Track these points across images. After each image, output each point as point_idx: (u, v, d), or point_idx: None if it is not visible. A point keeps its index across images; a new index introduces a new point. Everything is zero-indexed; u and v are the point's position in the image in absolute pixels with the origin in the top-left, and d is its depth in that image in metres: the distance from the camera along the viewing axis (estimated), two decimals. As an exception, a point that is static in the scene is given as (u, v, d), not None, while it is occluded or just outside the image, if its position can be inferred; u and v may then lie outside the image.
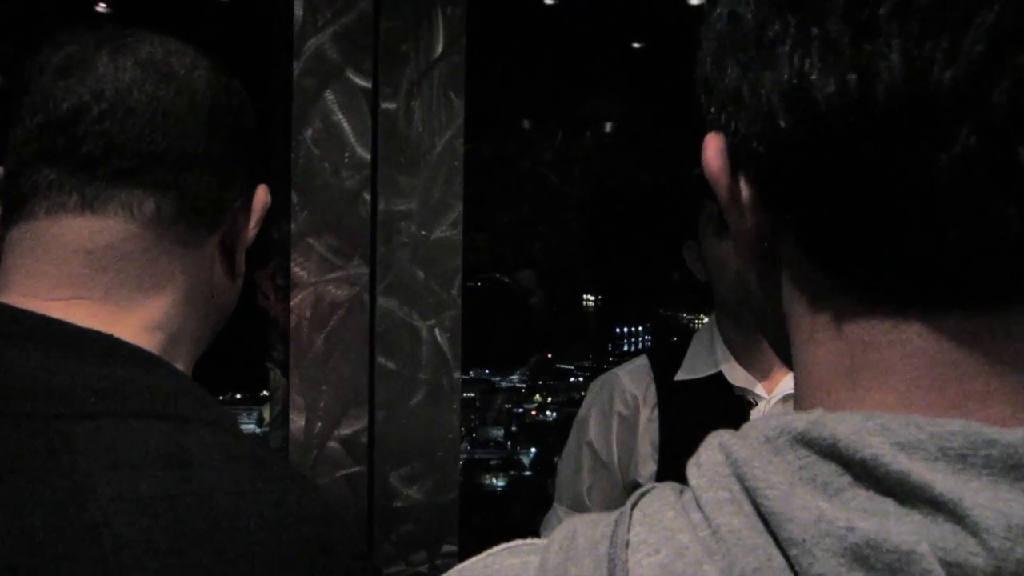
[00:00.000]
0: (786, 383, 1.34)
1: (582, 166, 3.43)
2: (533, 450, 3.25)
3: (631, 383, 1.43)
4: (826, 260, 0.35)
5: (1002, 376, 0.32)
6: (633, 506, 0.36)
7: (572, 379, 3.70)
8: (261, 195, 0.70)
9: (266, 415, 2.42)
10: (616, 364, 1.52)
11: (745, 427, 0.36)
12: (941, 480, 0.29)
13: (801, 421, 0.33)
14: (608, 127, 3.38)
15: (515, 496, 3.06)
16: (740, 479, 0.33)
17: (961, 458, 0.30)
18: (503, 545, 0.41)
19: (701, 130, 0.39)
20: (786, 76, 0.32)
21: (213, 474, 0.49)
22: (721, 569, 0.31)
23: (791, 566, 0.30)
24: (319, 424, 1.35)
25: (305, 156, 1.32)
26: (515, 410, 3.37)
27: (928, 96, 0.30)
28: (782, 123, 0.32)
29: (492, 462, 3.16)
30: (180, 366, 0.62)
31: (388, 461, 1.41)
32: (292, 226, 1.32)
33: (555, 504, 1.50)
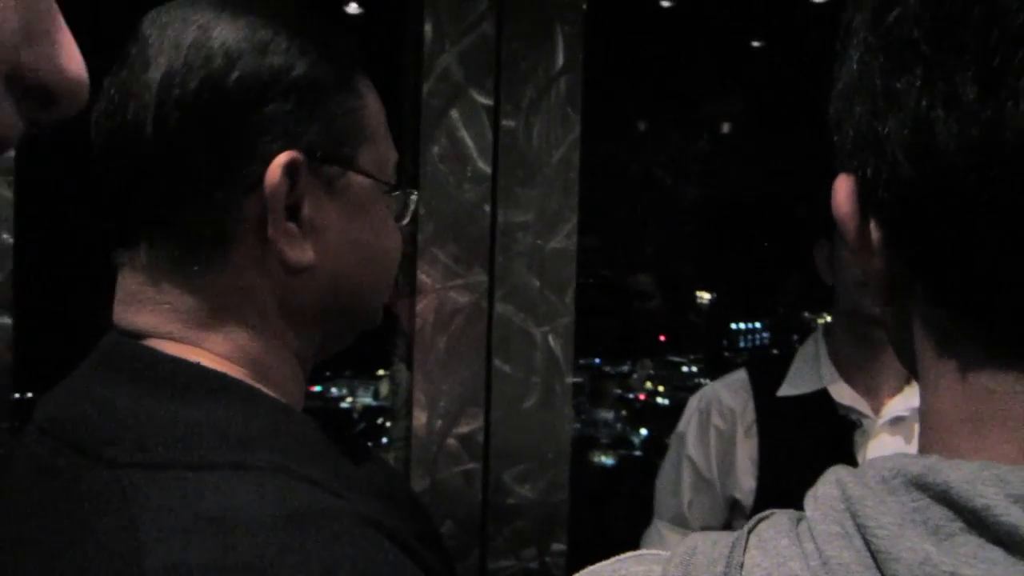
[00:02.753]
0: (894, 405, 1.30)
1: (698, 167, 3.41)
2: (644, 431, 3.25)
3: (729, 397, 1.42)
4: (953, 306, 0.35)
5: None
6: (750, 530, 0.38)
7: (685, 368, 3.68)
8: (269, 176, 0.57)
9: (383, 390, 2.51)
10: (732, 358, 1.51)
11: (863, 465, 0.36)
12: None
13: (917, 465, 0.33)
14: (726, 128, 3.34)
15: (626, 473, 3.08)
16: (853, 515, 0.34)
17: None
18: (631, 553, 0.43)
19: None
20: (910, 127, 0.33)
21: (256, 541, 0.46)
22: None
23: None
24: (439, 421, 1.44)
25: (432, 170, 1.41)
26: (625, 395, 3.38)
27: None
28: (906, 173, 0.33)
29: (603, 440, 3.18)
30: (275, 388, 0.59)
31: (502, 460, 1.48)
32: (419, 236, 1.40)
33: (655, 520, 1.49)
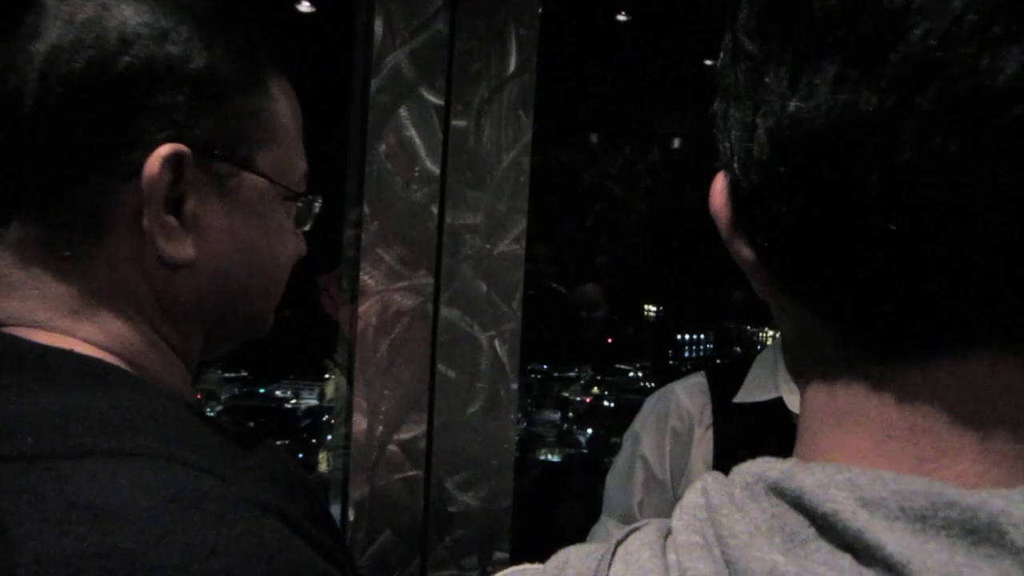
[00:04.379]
0: None
1: (648, 181, 3.44)
2: (590, 431, 3.31)
3: (687, 399, 1.42)
4: (807, 301, 0.34)
5: (971, 432, 0.31)
6: (619, 543, 0.37)
7: (631, 374, 3.75)
8: (148, 167, 0.54)
9: (328, 391, 2.50)
10: (676, 367, 1.52)
11: (734, 470, 0.36)
12: (896, 540, 0.29)
13: (776, 470, 0.33)
14: (676, 143, 3.38)
15: (570, 469, 3.15)
16: (713, 524, 0.33)
17: (921, 518, 0.29)
18: (511, 568, 0.43)
19: None
20: (740, 118, 0.34)
21: (137, 527, 0.44)
22: None
23: None
24: (380, 427, 1.40)
25: (378, 169, 1.38)
26: (572, 398, 3.49)
27: (846, 137, 0.30)
28: (739, 162, 0.34)
29: (548, 438, 3.27)
30: (153, 380, 0.57)
31: (445, 467, 1.45)
32: (363, 236, 1.37)
33: (604, 516, 1.49)
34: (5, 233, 0.56)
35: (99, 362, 0.55)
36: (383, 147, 1.38)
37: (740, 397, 1.37)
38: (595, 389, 3.53)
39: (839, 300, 0.33)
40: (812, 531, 0.31)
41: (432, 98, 1.39)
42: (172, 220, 0.57)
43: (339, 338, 1.49)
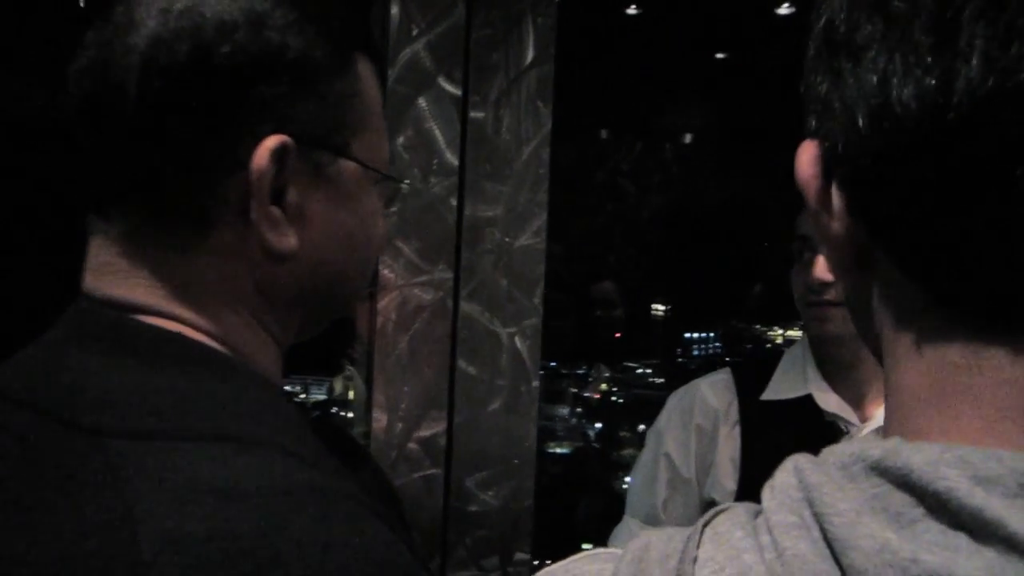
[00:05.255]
0: (882, 412, 1.29)
1: (661, 177, 3.41)
2: (599, 425, 3.33)
3: (713, 396, 1.39)
4: (916, 273, 0.33)
5: None
6: (706, 524, 0.36)
7: (639, 371, 3.77)
8: (257, 158, 0.54)
9: (337, 387, 2.50)
10: (685, 364, 1.50)
11: (824, 452, 0.35)
12: (1018, 517, 0.29)
13: (878, 448, 0.32)
14: (688, 138, 3.35)
15: (582, 460, 3.18)
16: (810, 504, 0.32)
17: None
18: (585, 552, 0.41)
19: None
20: (870, 82, 0.32)
21: (257, 514, 0.45)
22: None
23: None
24: (400, 424, 1.38)
25: (396, 162, 1.35)
26: (581, 394, 3.55)
27: (1009, 98, 0.29)
28: (863, 130, 0.32)
29: (558, 432, 3.34)
30: (255, 368, 0.58)
31: (465, 465, 1.42)
32: (381, 230, 1.35)
33: (627, 516, 1.46)
34: (111, 225, 0.57)
35: (208, 348, 0.55)
36: (401, 139, 1.35)
37: (768, 395, 1.35)
38: (603, 386, 3.56)
39: (957, 274, 0.32)
40: (920, 510, 0.30)
41: (450, 89, 1.37)
42: (277, 211, 0.56)
43: (355, 334, 1.46)
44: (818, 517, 0.32)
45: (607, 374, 3.49)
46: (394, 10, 1.34)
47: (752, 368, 1.44)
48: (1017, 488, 0.29)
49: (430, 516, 1.41)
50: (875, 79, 0.32)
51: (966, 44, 0.29)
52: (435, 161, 1.37)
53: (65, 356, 0.54)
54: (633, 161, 3.34)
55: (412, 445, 1.39)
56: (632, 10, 2.85)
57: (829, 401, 1.30)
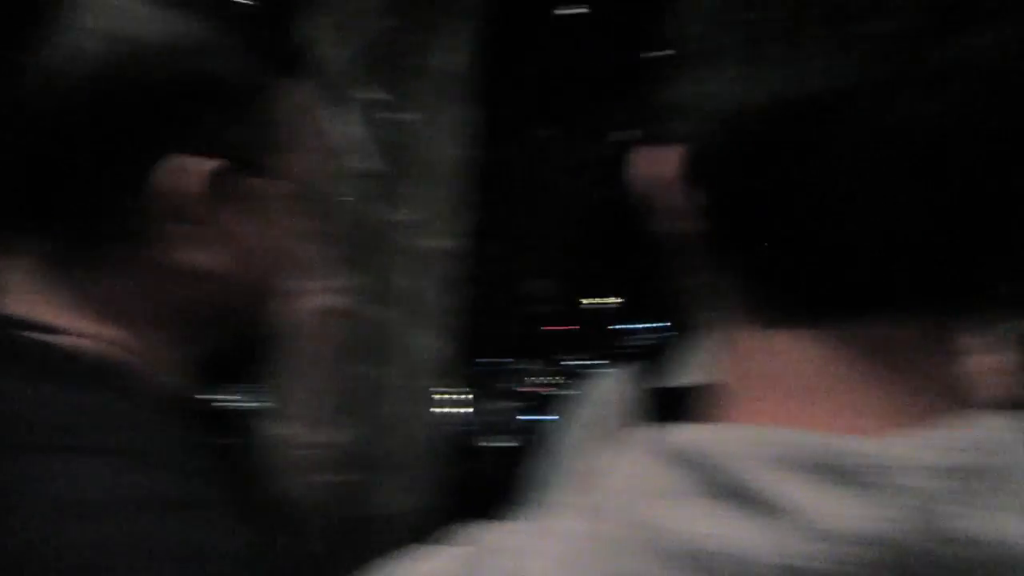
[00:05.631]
0: None
1: (596, 174, 3.43)
2: (541, 418, 3.43)
3: (616, 388, 1.42)
4: (751, 267, 0.36)
5: (875, 388, 0.34)
6: (545, 517, 0.38)
7: (581, 363, 3.82)
8: (182, 178, 0.55)
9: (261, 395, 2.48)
10: (629, 356, 1.52)
11: (637, 433, 0.37)
12: (790, 489, 0.32)
13: (689, 434, 0.35)
14: (623, 136, 3.37)
15: (523, 452, 3.28)
16: (631, 491, 0.34)
17: (815, 468, 0.32)
18: (431, 548, 0.43)
19: None
20: (725, 88, 0.34)
21: (108, 523, 0.47)
22: (587, 571, 0.33)
23: (647, 571, 0.32)
24: (304, 428, 1.36)
25: (311, 163, 1.33)
26: (523, 389, 3.59)
27: (841, 105, 0.32)
28: (718, 133, 0.34)
29: (498, 425, 3.37)
30: (156, 384, 0.60)
31: (372, 468, 1.42)
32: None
33: (533, 504, 1.48)
34: (25, 240, 0.57)
35: (103, 362, 0.56)
36: (319, 143, 1.33)
37: (666, 383, 1.38)
38: (544, 379, 3.61)
39: (790, 265, 0.35)
40: (722, 490, 0.33)
41: (371, 92, 1.35)
42: (199, 230, 0.57)
43: (269, 342, 1.44)
44: (635, 503, 0.34)
45: (548, 368, 3.54)
46: (320, 14, 1.32)
47: (652, 358, 1.46)
48: (794, 463, 0.32)
49: (336, 519, 1.40)
50: (729, 85, 0.34)
51: (810, 55, 0.32)
52: (353, 165, 1.35)
53: None
54: (568, 159, 3.36)
55: (318, 449, 1.38)
56: (562, 11, 2.86)
57: None
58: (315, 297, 1.35)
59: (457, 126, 1.41)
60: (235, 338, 0.67)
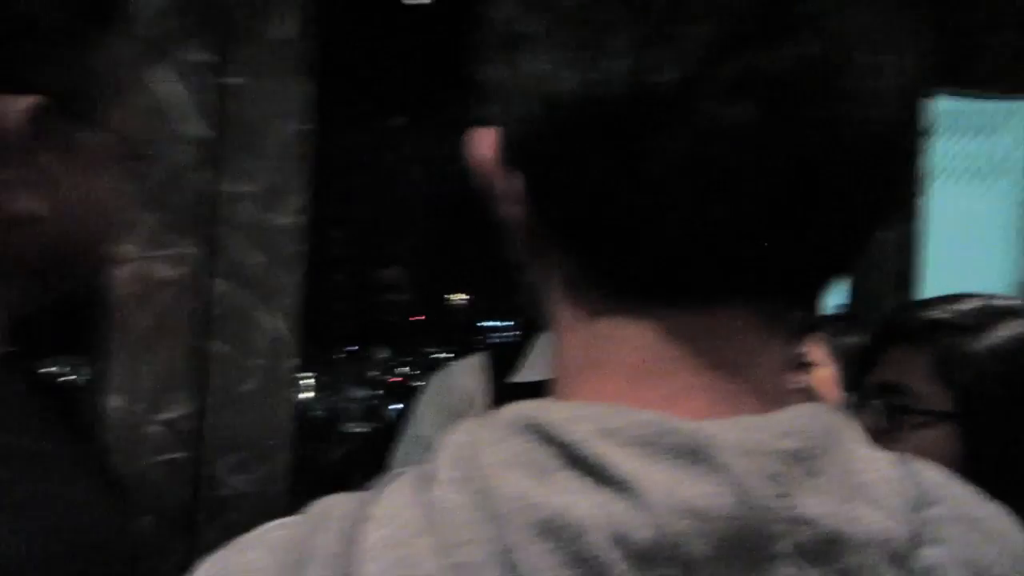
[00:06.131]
0: None
1: (452, 167, 3.45)
2: (399, 405, 3.41)
3: (467, 379, 1.43)
4: (576, 251, 0.37)
5: (703, 374, 0.36)
6: (385, 485, 0.38)
7: (438, 355, 3.83)
8: (8, 118, 0.54)
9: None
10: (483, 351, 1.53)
11: (496, 411, 0.38)
12: (626, 462, 0.33)
13: (532, 407, 0.36)
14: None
15: (380, 438, 3.31)
16: (470, 460, 0.35)
17: (649, 444, 0.33)
18: (278, 520, 0.42)
19: None
20: (542, 72, 0.35)
21: None
22: (435, 541, 0.34)
23: (497, 539, 0.33)
24: (141, 405, 1.30)
25: (141, 127, 1.28)
26: (381, 377, 3.59)
27: (649, 97, 0.32)
28: (536, 115, 0.35)
29: (357, 411, 3.38)
30: None
31: (216, 448, 1.37)
32: (120, 199, 1.27)
33: None
34: None
35: None
36: (144, 102, 1.28)
37: (516, 377, 1.40)
38: (404, 369, 3.61)
39: (611, 251, 0.36)
40: (559, 461, 0.34)
41: (202, 55, 1.31)
42: (17, 171, 0.56)
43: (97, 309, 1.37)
44: (473, 470, 0.35)
45: (400, 357, 3.53)
46: (139, -34, 1.26)
47: (504, 351, 1.48)
48: (630, 439, 0.33)
49: (177, 502, 1.35)
50: (547, 69, 0.34)
51: (620, 44, 0.33)
52: (181, 129, 1.30)
53: None
54: (422, 149, 3.36)
55: (155, 428, 1.32)
56: (410, 1, 2.86)
57: None
58: (144, 264, 1.29)
59: (292, 99, 1.39)
60: (58, 298, 0.66)
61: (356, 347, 3.52)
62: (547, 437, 0.35)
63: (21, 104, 0.54)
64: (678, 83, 0.32)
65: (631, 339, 0.36)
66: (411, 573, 0.33)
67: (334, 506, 0.38)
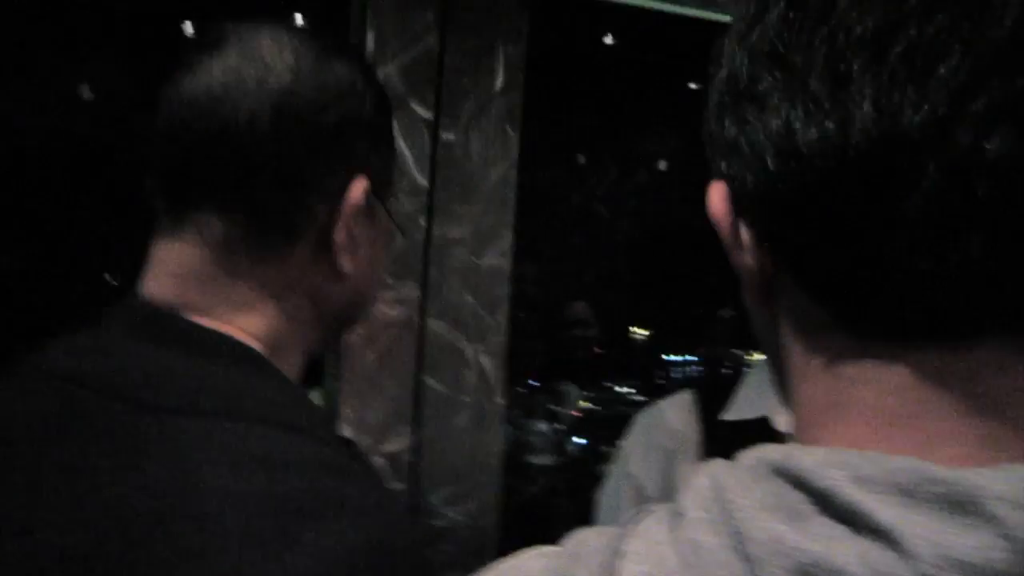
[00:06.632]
0: None
1: (635, 202, 3.46)
2: (582, 440, 3.45)
3: (675, 417, 1.41)
4: (818, 296, 0.37)
5: (963, 418, 0.35)
6: (634, 522, 0.40)
7: (618, 389, 3.83)
8: (353, 193, 0.67)
9: (315, 400, 2.54)
10: (664, 386, 1.52)
11: (737, 456, 0.39)
12: (884, 510, 0.33)
13: (778, 453, 0.37)
14: (662, 165, 3.40)
15: (563, 470, 3.30)
16: (720, 502, 0.36)
17: (908, 492, 0.33)
18: (532, 549, 0.45)
19: None
20: (775, 127, 0.36)
21: (298, 478, 0.54)
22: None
23: None
24: (366, 438, 1.40)
25: (366, 181, 1.39)
26: (561, 411, 3.65)
27: (897, 139, 0.33)
28: (771, 169, 0.36)
29: (539, 445, 3.44)
30: (286, 372, 0.67)
31: (430, 480, 1.44)
32: (350, 247, 1.38)
33: None
34: (196, 231, 0.65)
35: (251, 349, 0.65)
36: (372, 159, 1.39)
37: (726, 415, 1.37)
38: (584, 403, 3.64)
39: (852, 297, 0.36)
40: (811, 507, 0.34)
41: (421, 111, 1.41)
42: (348, 238, 0.68)
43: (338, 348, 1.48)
44: (725, 514, 0.35)
45: (584, 393, 3.56)
46: (369, 34, 1.38)
47: (713, 389, 1.46)
48: (887, 486, 0.33)
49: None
50: (779, 124, 0.35)
51: (857, 92, 0.33)
52: (405, 181, 1.40)
53: (120, 345, 0.62)
54: (608, 186, 3.39)
55: (378, 459, 1.41)
56: (609, 39, 2.92)
57: (784, 422, 1.32)
58: (383, 307, 1.39)
59: (501, 148, 1.45)
60: (335, 341, 0.78)
61: (539, 382, 3.59)
62: (797, 482, 0.35)
63: (363, 185, 0.67)
64: (930, 121, 0.32)
65: (880, 382, 0.36)
66: None
67: (588, 539, 0.40)
